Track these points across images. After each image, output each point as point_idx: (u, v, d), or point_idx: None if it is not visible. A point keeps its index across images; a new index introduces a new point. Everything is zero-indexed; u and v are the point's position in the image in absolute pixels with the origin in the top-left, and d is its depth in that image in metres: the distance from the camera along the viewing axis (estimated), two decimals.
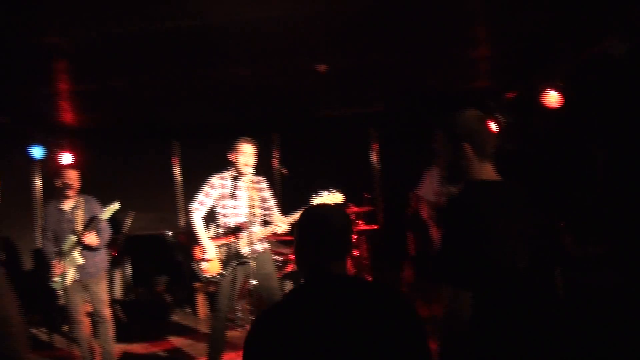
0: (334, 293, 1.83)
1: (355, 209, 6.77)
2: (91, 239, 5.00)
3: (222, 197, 4.85)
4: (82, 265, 5.08)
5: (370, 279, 6.61)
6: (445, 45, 5.25)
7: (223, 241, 4.83)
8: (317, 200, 4.67)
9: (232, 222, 4.86)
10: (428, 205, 4.99)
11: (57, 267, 4.97)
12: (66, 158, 7.41)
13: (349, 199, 5.08)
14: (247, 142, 4.79)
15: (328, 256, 1.92)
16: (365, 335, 1.74)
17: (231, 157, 4.82)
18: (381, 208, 8.27)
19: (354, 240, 6.74)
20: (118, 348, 5.56)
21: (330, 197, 4.70)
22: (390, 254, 7.63)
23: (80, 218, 5.12)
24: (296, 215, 4.69)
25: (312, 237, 1.95)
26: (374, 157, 8.50)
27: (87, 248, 5.09)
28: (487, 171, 2.25)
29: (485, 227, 2.09)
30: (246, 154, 4.77)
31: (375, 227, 7.18)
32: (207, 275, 4.83)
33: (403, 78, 6.50)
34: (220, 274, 4.79)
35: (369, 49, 5.24)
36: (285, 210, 5.00)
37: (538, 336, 2.17)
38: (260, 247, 4.89)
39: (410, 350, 1.80)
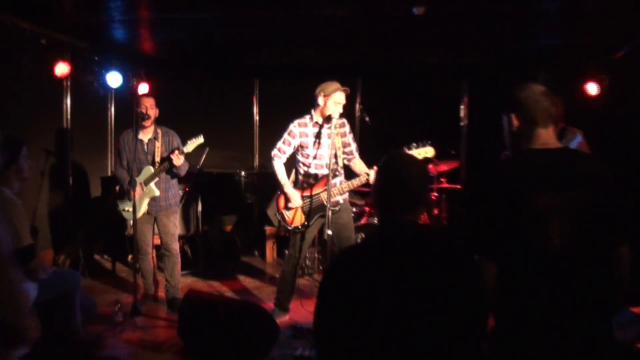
0: (403, 240, 1.93)
1: (438, 165, 6.63)
2: (182, 160, 5.02)
3: (303, 145, 4.79)
4: (155, 198, 5.19)
5: None
6: None
7: (304, 192, 4.81)
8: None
9: (314, 171, 4.81)
10: None
11: (130, 196, 5.04)
12: (143, 88, 7.53)
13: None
14: (342, 90, 4.66)
15: (401, 207, 2.00)
16: (430, 284, 1.82)
17: (320, 101, 4.70)
18: (465, 167, 8.06)
19: (433, 197, 6.65)
20: (183, 283, 5.71)
21: (421, 150, 4.60)
22: None
23: (159, 150, 5.18)
24: None
25: (387, 186, 2.04)
26: (462, 112, 8.27)
27: (163, 180, 5.19)
28: (541, 139, 2.21)
29: (521, 197, 2.04)
30: (338, 103, 4.66)
31: (458, 186, 7.03)
32: (290, 226, 4.82)
33: (505, 29, 6.17)
34: (303, 225, 4.79)
35: None
36: (364, 160, 4.94)
37: (574, 339, 2.05)
38: (340, 198, 4.85)
39: (469, 303, 1.86)
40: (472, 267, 1.99)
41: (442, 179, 6.84)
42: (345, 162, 4.95)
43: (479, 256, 2.14)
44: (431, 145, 4.62)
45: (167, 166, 5.08)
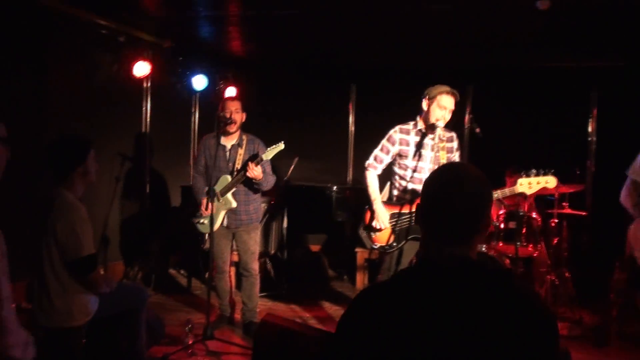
0: (441, 280, 1.57)
1: (561, 187, 5.98)
2: (257, 171, 4.78)
3: (402, 154, 4.46)
4: (234, 210, 5.01)
5: (567, 275, 5.82)
6: None
7: (399, 210, 4.45)
8: (522, 181, 4.25)
9: (411, 186, 4.47)
10: (631, 186, 4.18)
11: (206, 206, 4.90)
12: (230, 91, 7.37)
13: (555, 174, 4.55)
14: (450, 94, 4.31)
15: (443, 234, 1.63)
16: (468, 337, 1.47)
17: (424, 106, 4.38)
18: (592, 190, 7.41)
19: (552, 224, 6.02)
20: (262, 305, 5.58)
21: (541, 179, 4.25)
22: (599, 248, 6.76)
23: (241, 158, 5.00)
24: (501, 191, 4.33)
25: (429, 205, 1.67)
26: (591, 125, 7.61)
27: (243, 192, 5.00)
28: None
29: None
30: (445, 108, 4.30)
31: (582, 212, 6.34)
32: (377, 245, 4.51)
33: None
34: (390, 246, 4.44)
35: None
36: None
37: None
38: None
39: None
40: (539, 325, 1.51)
41: (564, 204, 6.17)
42: None
43: None
44: (554, 174, 4.25)
45: (243, 176, 4.85)
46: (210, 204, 4.82)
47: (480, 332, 1.48)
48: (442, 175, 1.71)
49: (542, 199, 6.18)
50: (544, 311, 1.56)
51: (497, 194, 4.26)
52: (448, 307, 1.52)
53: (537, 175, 4.24)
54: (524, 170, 4.28)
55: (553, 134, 7.18)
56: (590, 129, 7.62)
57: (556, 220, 6.09)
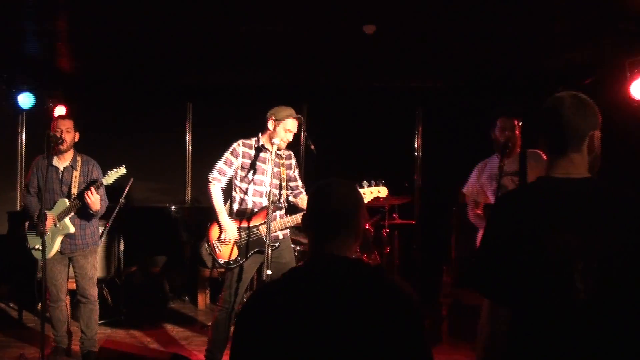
0: (323, 275, 1.87)
1: (391, 199, 6.56)
2: (95, 200, 4.78)
3: (244, 167, 4.70)
4: (69, 235, 4.94)
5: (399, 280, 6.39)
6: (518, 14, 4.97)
7: (240, 224, 4.68)
8: None
9: (252, 200, 4.70)
10: (474, 205, 4.81)
11: (40, 229, 4.72)
12: (60, 110, 7.19)
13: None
14: (296, 118, 4.67)
15: (324, 232, 1.95)
16: (350, 325, 1.76)
17: (270, 125, 4.66)
18: (419, 201, 8.05)
19: (384, 234, 6.57)
20: (101, 334, 5.48)
21: (373, 189, 4.65)
22: (427, 255, 7.45)
23: (77, 180, 4.96)
24: None
25: (311, 213, 2.03)
26: (417, 141, 8.26)
27: (79, 216, 4.95)
28: (564, 167, 2.08)
29: (538, 233, 1.95)
30: (289, 131, 4.64)
31: (411, 222, 6.99)
32: (221, 260, 4.67)
33: (464, 50, 6.20)
34: (235, 261, 4.64)
35: (430, 9, 4.94)
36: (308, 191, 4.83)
37: None
38: (280, 233, 4.73)
39: (401, 351, 1.78)
40: (406, 311, 1.83)
41: (394, 214, 6.77)
42: (291, 198, 4.91)
43: (489, 299, 2.07)
44: (385, 185, 4.65)
45: (81, 201, 4.83)
46: (42, 227, 4.67)
47: (358, 320, 1.75)
48: (318, 187, 2.02)
49: (373, 210, 6.64)
50: (412, 298, 1.84)
51: None
52: (331, 299, 1.78)
53: (369, 186, 4.62)
54: (357, 183, 4.58)
55: (384, 150, 7.63)
56: (416, 145, 8.21)
57: (387, 231, 6.69)
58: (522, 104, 4.93)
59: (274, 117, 4.62)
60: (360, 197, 2.06)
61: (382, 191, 4.66)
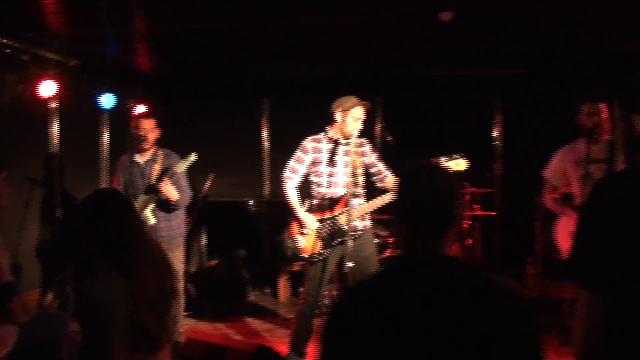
0: (425, 275, 1.68)
1: (471, 189, 6.44)
2: (169, 190, 4.87)
3: (316, 162, 4.70)
4: (154, 227, 5.02)
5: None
6: None
7: (320, 216, 4.68)
8: None
9: (328, 193, 4.70)
10: (552, 189, 4.65)
11: None
12: (139, 109, 7.31)
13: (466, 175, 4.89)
14: (362, 105, 4.61)
15: (424, 229, 1.75)
16: (458, 330, 1.58)
17: (337, 117, 4.64)
18: (500, 191, 7.86)
19: (465, 225, 6.45)
20: (186, 326, 5.56)
21: (452, 163, 4.57)
22: (510, 247, 7.28)
23: (156, 173, 5.06)
24: None
25: (406, 205, 1.81)
26: (496, 130, 8.08)
27: (162, 208, 5.03)
28: None
29: (638, 221, 1.81)
30: (357, 119, 4.60)
31: (493, 213, 6.84)
32: (305, 255, 4.68)
33: (543, 35, 5.98)
34: (319, 253, 4.64)
35: None
36: None
37: None
38: (360, 224, 4.68)
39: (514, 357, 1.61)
40: (517, 312, 1.66)
41: (475, 206, 6.64)
42: (379, 184, 4.87)
43: (586, 289, 1.92)
44: (464, 157, 4.59)
45: (158, 192, 4.93)
46: None
47: (467, 323, 1.58)
48: (411, 175, 1.84)
49: None
50: (528, 304, 1.67)
51: None
52: (435, 301, 1.61)
53: (448, 160, 4.58)
54: (435, 158, 4.55)
55: (461, 140, 7.34)
56: (495, 134, 8.05)
57: (469, 222, 6.56)
58: (607, 88, 4.73)
59: (340, 109, 4.61)
60: (457, 184, 1.87)
61: (461, 164, 4.59)
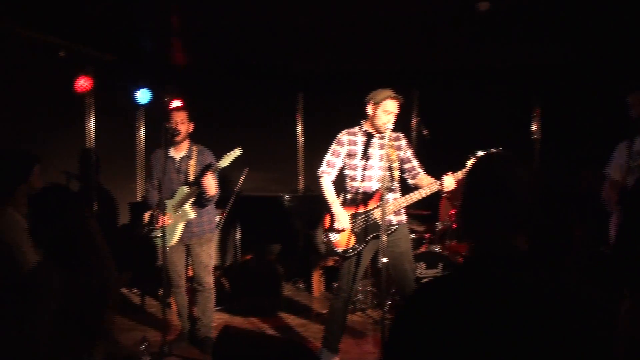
0: (511, 275, 1.54)
1: None
2: (211, 184, 4.86)
3: (351, 154, 4.65)
4: (187, 223, 5.05)
5: None
6: None
7: (354, 210, 4.62)
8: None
9: (363, 187, 4.64)
10: (613, 186, 4.51)
11: (160, 219, 4.87)
12: (175, 104, 7.40)
13: None
14: (395, 98, 4.51)
15: (504, 225, 1.60)
16: (534, 334, 1.47)
17: (369, 110, 4.58)
18: (540, 187, 7.62)
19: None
20: (218, 320, 5.57)
21: None
22: (547, 244, 7.11)
23: (193, 169, 5.07)
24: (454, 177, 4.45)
25: (485, 196, 1.64)
26: (535, 124, 7.89)
27: (195, 202, 5.03)
28: None
29: None
30: (389, 112, 4.50)
31: None
32: (339, 249, 4.62)
33: (581, 25, 5.84)
34: (353, 248, 4.58)
35: None
36: None
37: None
38: (395, 219, 4.61)
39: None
40: (596, 321, 1.55)
41: None
42: (410, 180, 4.78)
43: (631, 291, 1.79)
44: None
45: (200, 187, 4.92)
46: (161, 216, 4.82)
47: (544, 323, 1.48)
48: (493, 163, 1.71)
49: None
50: (603, 310, 1.57)
51: (457, 175, 4.42)
52: (513, 298, 1.52)
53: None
54: (471, 154, 4.45)
55: (498, 134, 7.17)
56: (534, 128, 7.87)
57: None
58: None
59: (372, 101, 4.54)
60: (535, 174, 1.72)
61: None
